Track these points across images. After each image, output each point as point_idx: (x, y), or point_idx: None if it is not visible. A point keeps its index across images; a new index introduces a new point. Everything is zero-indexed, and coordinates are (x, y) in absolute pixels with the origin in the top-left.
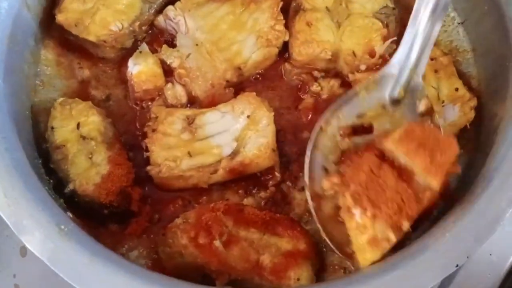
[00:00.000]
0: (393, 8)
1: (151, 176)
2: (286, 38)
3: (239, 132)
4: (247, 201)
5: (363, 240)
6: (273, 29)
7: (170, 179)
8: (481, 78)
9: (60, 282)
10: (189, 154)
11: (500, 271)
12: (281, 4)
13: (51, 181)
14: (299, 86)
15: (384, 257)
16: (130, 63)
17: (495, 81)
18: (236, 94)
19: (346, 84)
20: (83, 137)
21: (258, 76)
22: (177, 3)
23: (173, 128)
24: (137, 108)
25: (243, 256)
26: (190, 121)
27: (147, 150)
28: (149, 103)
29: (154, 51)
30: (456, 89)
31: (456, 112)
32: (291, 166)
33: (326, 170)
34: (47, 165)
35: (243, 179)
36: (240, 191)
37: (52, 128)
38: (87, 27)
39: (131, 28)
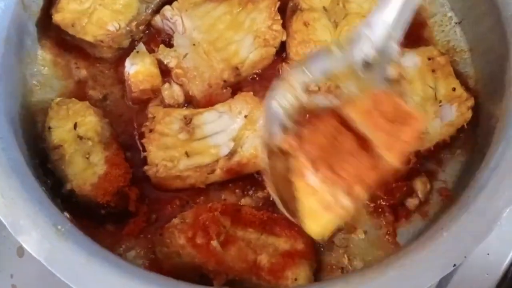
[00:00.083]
0: None
1: (148, 176)
2: (284, 38)
3: (236, 132)
4: (245, 201)
5: (316, 204)
6: (271, 29)
7: (168, 179)
8: (478, 78)
9: (57, 282)
10: (187, 154)
11: (497, 271)
12: (278, 4)
13: (48, 181)
14: None
15: (337, 226)
16: (127, 63)
17: (492, 81)
18: (233, 94)
19: None
20: (80, 137)
21: (255, 76)
22: (174, 3)
23: (171, 128)
24: (135, 108)
25: (241, 256)
26: (187, 121)
27: (144, 150)
28: (146, 103)
29: (151, 51)
30: (454, 89)
31: (454, 112)
32: None
33: (284, 127)
34: (44, 165)
35: (241, 179)
36: (238, 191)
37: (49, 128)
38: (84, 27)
39: (128, 28)
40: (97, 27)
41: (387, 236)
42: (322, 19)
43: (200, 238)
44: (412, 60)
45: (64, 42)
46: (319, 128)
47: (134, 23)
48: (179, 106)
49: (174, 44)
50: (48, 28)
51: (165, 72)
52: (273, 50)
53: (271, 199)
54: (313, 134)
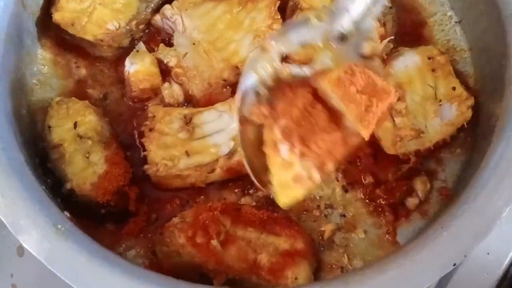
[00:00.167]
0: (390, 7)
1: (148, 176)
2: None
3: (236, 131)
4: (245, 200)
5: (287, 176)
6: (271, 28)
7: (168, 178)
8: (478, 77)
9: (57, 281)
10: (187, 153)
11: (497, 270)
12: (278, 3)
13: (48, 180)
14: None
15: (305, 197)
16: (127, 62)
17: (492, 80)
18: (233, 93)
19: None
20: (80, 137)
21: None
22: (174, 2)
23: (170, 127)
24: (134, 107)
25: (241, 255)
26: (187, 120)
27: (144, 149)
28: (146, 102)
29: (151, 50)
30: (453, 88)
31: (454, 111)
32: None
33: (258, 95)
34: (44, 164)
35: (241, 178)
36: (238, 190)
37: (49, 127)
38: (84, 27)
39: (128, 27)
40: (97, 26)
41: (387, 236)
42: None
43: (200, 237)
44: (412, 59)
45: (64, 41)
46: (293, 101)
47: (134, 22)
48: (179, 105)
49: (174, 43)
50: (48, 27)
51: (165, 71)
52: None
53: (271, 197)
54: (287, 107)
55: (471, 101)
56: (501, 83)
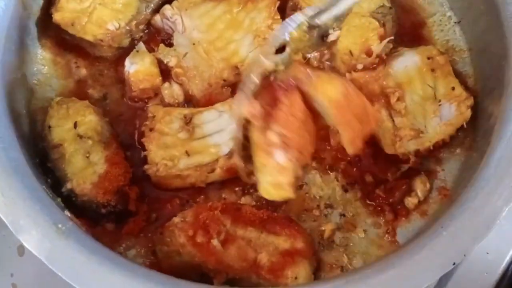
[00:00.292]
0: (390, 8)
1: (148, 175)
2: None
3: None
4: (245, 200)
5: (280, 180)
6: (270, 28)
7: (168, 178)
8: (478, 77)
9: (58, 281)
10: (187, 153)
11: (497, 270)
12: (278, 3)
13: (49, 180)
14: None
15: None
16: (127, 62)
17: (491, 80)
18: (233, 93)
19: None
20: (80, 136)
21: None
22: (174, 2)
23: (171, 127)
24: (134, 107)
25: (241, 255)
26: (187, 120)
27: (144, 149)
28: (146, 102)
29: (151, 50)
30: (453, 88)
31: (453, 112)
32: None
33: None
34: (44, 164)
35: (241, 178)
36: (238, 190)
37: (49, 127)
38: (84, 27)
39: (128, 27)
40: (96, 26)
41: (386, 235)
42: None
43: (200, 237)
44: (412, 60)
45: (64, 42)
46: (291, 110)
47: (134, 22)
48: (179, 105)
49: (174, 44)
50: (48, 28)
51: (165, 71)
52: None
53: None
54: (286, 116)
55: (470, 101)
56: (501, 83)
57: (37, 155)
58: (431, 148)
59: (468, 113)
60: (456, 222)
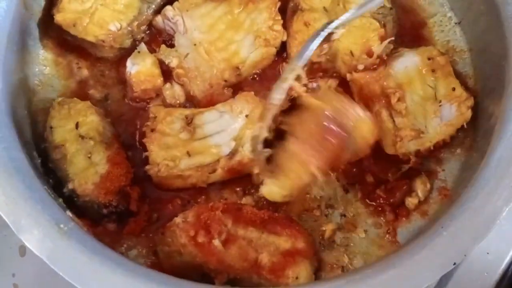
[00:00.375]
0: (390, 8)
1: (149, 176)
2: (284, 38)
3: (237, 131)
4: (246, 200)
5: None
6: (271, 29)
7: (169, 178)
8: (478, 77)
9: (59, 281)
10: (188, 154)
11: (497, 270)
12: (279, 4)
13: (50, 180)
14: None
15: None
16: (129, 63)
17: (491, 80)
18: (234, 94)
19: (344, 84)
20: (82, 137)
21: (256, 76)
22: (175, 3)
23: (172, 128)
24: (136, 107)
25: (242, 255)
26: (188, 121)
27: (145, 149)
28: (148, 102)
29: (152, 51)
30: (453, 89)
31: (453, 112)
32: None
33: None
34: (46, 164)
35: (242, 178)
36: (239, 190)
37: (51, 127)
38: (86, 27)
39: (129, 28)
40: (98, 27)
41: (387, 235)
42: (323, 19)
43: (201, 237)
44: (412, 60)
45: (66, 42)
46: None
47: (135, 23)
48: (180, 105)
49: (175, 44)
50: (49, 28)
51: (166, 72)
52: (273, 50)
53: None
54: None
55: (470, 102)
56: (501, 83)
57: (38, 155)
58: (432, 148)
59: (468, 114)
60: (456, 222)
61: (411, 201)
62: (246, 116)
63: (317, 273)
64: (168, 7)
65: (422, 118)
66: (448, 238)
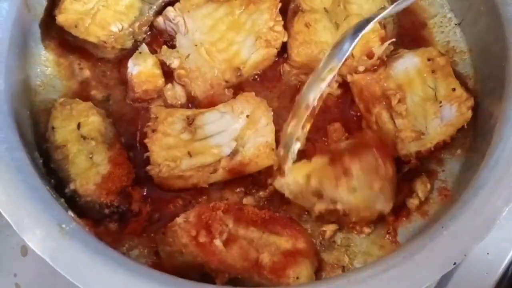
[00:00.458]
0: None
1: (151, 176)
2: (285, 39)
3: (238, 132)
4: (247, 200)
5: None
6: (272, 30)
7: (170, 179)
8: (478, 78)
9: (61, 281)
10: (189, 154)
11: (497, 270)
12: (279, 5)
13: (52, 180)
14: (298, 86)
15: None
16: (130, 63)
17: (491, 81)
18: (235, 94)
19: (345, 85)
20: (84, 137)
21: (257, 76)
22: (177, 4)
23: (173, 128)
24: (137, 108)
25: (243, 255)
26: (189, 121)
27: (146, 150)
28: (149, 103)
29: (153, 51)
30: (453, 89)
31: (454, 112)
32: None
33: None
34: (47, 165)
35: (243, 178)
36: (240, 190)
37: (53, 128)
38: (87, 28)
39: (131, 29)
40: (100, 28)
41: (387, 235)
42: (323, 20)
43: (203, 236)
44: (412, 61)
45: (67, 43)
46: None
47: (136, 24)
48: (181, 106)
49: (177, 45)
50: (51, 29)
51: (167, 72)
52: (274, 51)
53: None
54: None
55: (471, 102)
56: (501, 84)
57: (40, 155)
58: (432, 149)
59: (468, 114)
60: (456, 222)
61: (411, 202)
62: (247, 116)
63: (318, 273)
64: (170, 8)
65: (422, 119)
66: (448, 238)
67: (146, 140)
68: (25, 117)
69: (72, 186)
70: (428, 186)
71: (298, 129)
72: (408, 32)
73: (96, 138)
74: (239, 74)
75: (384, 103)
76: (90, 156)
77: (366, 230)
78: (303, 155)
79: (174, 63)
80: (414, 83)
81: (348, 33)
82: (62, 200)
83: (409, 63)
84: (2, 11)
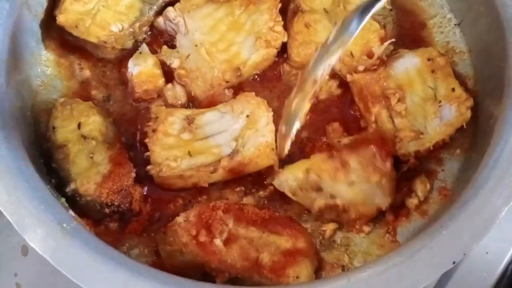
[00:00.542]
0: (390, 10)
1: (151, 176)
2: (285, 39)
3: (238, 131)
4: (247, 200)
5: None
6: (272, 30)
7: (170, 178)
8: (477, 78)
9: (62, 280)
10: (189, 154)
11: (496, 270)
12: (279, 5)
13: (53, 180)
14: None
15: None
16: (130, 63)
17: (491, 81)
18: (235, 94)
19: (344, 85)
20: (84, 137)
21: (256, 77)
22: (177, 4)
23: (173, 128)
24: (137, 108)
25: (243, 254)
26: (190, 121)
27: (146, 150)
28: (149, 103)
29: (154, 52)
30: (453, 90)
31: (453, 112)
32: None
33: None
34: (48, 164)
35: (243, 178)
36: (240, 190)
37: (54, 128)
38: (88, 28)
39: (131, 29)
40: (100, 28)
41: (387, 235)
42: (323, 20)
43: (203, 236)
44: (412, 61)
45: (68, 43)
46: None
47: (137, 24)
48: (181, 106)
49: (177, 45)
50: (52, 29)
51: (167, 72)
52: (274, 51)
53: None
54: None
55: (470, 102)
56: (500, 84)
57: (41, 155)
58: (431, 148)
59: (468, 114)
60: (456, 221)
61: (411, 201)
62: (247, 116)
63: (318, 273)
64: (170, 8)
65: (422, 118)
66: (448, 238)
67: (146, 140)
68: (25, 117)
69: (72, 185)
70: (428, 185)
71: (303, 105)
72: (408, 32)
73: (97, 138)
74: (239, 74)
75: (383, 102)
76: (91, 155)
77: (366, 229)
78: (302, 155)
79: (174, 63)
80: (414, 83)
81: (358, 9)
82: (63, 199)
83: (409, 63)
84: (3, 11)
